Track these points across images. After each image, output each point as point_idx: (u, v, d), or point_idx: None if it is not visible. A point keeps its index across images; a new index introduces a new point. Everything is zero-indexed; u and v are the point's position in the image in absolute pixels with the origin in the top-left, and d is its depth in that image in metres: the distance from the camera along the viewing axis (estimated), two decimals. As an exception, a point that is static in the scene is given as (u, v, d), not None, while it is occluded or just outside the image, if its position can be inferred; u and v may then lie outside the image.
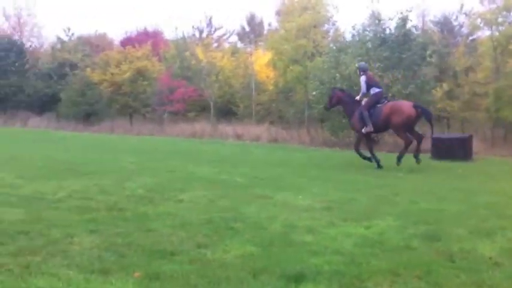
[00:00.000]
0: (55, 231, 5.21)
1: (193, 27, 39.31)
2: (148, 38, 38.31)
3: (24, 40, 38.55)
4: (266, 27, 41.44)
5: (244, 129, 24.94)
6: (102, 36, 44.89)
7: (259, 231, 5.54)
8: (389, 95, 19.26)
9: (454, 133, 21.32)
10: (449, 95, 23.78)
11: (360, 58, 20.10)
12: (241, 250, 4.75)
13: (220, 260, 4.45)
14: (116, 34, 58.53)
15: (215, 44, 38.41)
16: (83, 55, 35.59)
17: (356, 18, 52.05)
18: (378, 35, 21.46)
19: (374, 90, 13.06)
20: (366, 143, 13.66)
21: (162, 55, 35.42)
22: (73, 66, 33.53)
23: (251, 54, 31.72)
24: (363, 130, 13.06)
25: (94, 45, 40.98)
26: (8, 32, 38.43)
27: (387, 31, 21.65)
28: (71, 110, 30.03)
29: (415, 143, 12.90)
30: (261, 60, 31.03)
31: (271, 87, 29.37)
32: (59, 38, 38.72)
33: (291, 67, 26.15)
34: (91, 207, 6.52)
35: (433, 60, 22.91)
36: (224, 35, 43.09)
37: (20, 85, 32.37)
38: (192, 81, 30.17)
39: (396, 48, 20.64)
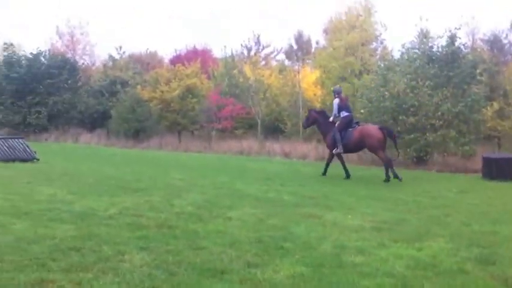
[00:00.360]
0: (106, 248, 5.27)
1: (241, 45, 39.63)
2: (197, 56, 38.83)
3: (77, 58, 39.68)
4: (314, 45, 41.39)
5: (291, 147, 24.85)
6: (153, 55, 45.82)
7: (309, 251, 5.47)
8: (439, 113, 18.98)
9: (505, 153, 20.68)
10: (500, 114, 23.14)
11: (409, 76, 19.86)
12: (291, 270, 4.69)
13: (270, 280, 4.40)
14: (166, 52, 59.63)
15: (263, 62, 38.65)
16: (134, 73, 36.35)
17: (404, 36, 51.47)
18: (426, 53, 21.13)
19: (343, 114, 14.36)
20: (339, 158, 14.81)
21: (210, 73, 35.83)
22: (124, 83, 34.26)
23: (298, 72, 31.71)
24: (334, 151, 14.51)
25: (145, 63, 41.86)
26: (62, 50, 39.64)
27: (435, 49, 21.31)
28: (121, 126, 30.61)
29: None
30: (308, 78, 31.01)
31: (318, 105, 29.27)
32: (110, 56, 39.80)
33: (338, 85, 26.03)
34: (141, 224, 6.58)
35: (483, 78, 22.35)
36: (272, 53, 43.28)
37: (72, 102, 33.22)
38: (240, 98, 30.36)
39: (445, 67, 20.25)
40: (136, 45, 74.17)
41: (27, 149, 16.42)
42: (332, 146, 14.54)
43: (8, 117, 32.01)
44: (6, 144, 16.20)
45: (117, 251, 5.15)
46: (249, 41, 39.95)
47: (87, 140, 30.44)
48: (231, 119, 29.19)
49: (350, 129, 14.28)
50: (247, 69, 32.04)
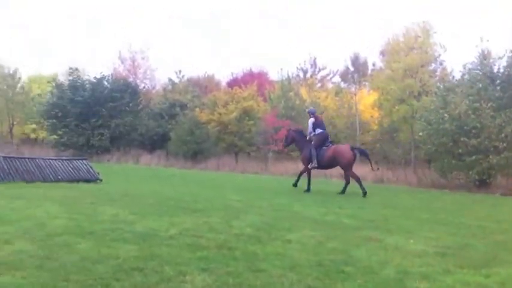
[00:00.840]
0: (168, 268, 5.34)
1: (297, 68, 39.84)
2: (254, 79, 39.26)
3: (138, 82, 40.89)
4: (370, 67, 41.08)
5: (348, 169, 24.62)
6: (210, 78, 46.62)
7: (371, 276, 5.37)
8: (503, 135, 18.45)
9: None
10: None
11: (471, 98, 19.41)
12: (353, 295, 4.62)
13: (332, 304, 4.34)
14: (223, 75, 60.67)
15: (319, 84, 38.68)
16: (193, 96, 37.10)
17: (464, 57, 50.48)
18: (487, 74, 20.62)
19: (318, 131, 16.02)
20: (308, 173, 16.27)
21: (267, 95, 36.10)
22: (183, 106, 35.00)
23: (355, 94, 31.54)
24: (309, 166, 16.05)
25: (203, 86, 42.64)
26: (124, 74, 40.94)
27: (496, 70, 20.81)
28: (180, 148, 31.21)
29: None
30: (365, 100, 30.82)
31: (375, 127, 28.95)
32: (170, 80, 40.81)
33: (397, 107, 25.68)
34: (201, 245, 6.64)
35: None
36: (328, 75, 43.23)
37: (133, 124, 34.17)
38: (296, 120, 30.39)
39: (508, 87, 19.69)
40: (194, 69, 75.66)
41: (91, 170, 16.94)
42: (307, 161, 16.07)
43: (73, 139, 33.18)
44: (71, 165, 16.78)
45: (179, 272, 5.21)
46: (304, 64, 40.11)
47: (147, 161, 31.10)
48: (288, 141, 29.21)
49: (325, 147, 15.82)
50: (303, 92, 32.17)
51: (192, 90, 38.75)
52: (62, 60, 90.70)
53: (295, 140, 17.07)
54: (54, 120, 34.73)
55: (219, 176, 23.56)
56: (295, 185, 16.33)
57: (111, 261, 5.64)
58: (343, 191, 15.42)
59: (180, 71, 41.12)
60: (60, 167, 16.46)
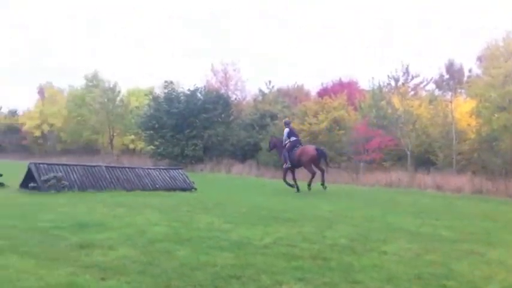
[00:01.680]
0: (265, 277, 5.42)
1: (388, 76, 39.02)
2: (344, 88, 38.93)
3: (229, 93, 41.68)
4: (466, 73, 39.46)
5: (443, 180, 23.76)
6: (300, 88, 46.69)
7: (474, 291, 5.19)
8: None
9: None
10: None
11: None
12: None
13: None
14: (312, 85, 60.56)
15: (412, 92, 37.68)
16: (283, 106, 37.30)
17: None
18: None
19: (292, 139, 18.76)
20: (291, 174, 18.84)
21: (357, 104, 35.67)
22: (273, 116, 35.28)
23: (451, 102, 30.41)
24: (284, 166, 18.92)
25: (292, 96, 42.77)
26: (216, 86, 41.92)
27: None
28: (270, 158, 31.42)
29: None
30: (461, 108, 29.60)
31: (473, 136, 27.78)
32: (260, 91, 41.31)
33: (497, 115, 24.51)
34: (296, 254, 6.68)
35: None
36: (421, 83, 41.97)
37: (225, 135, 34.89)
38: (388, 130, 29.81)
39: None
40: (284, 79, 76.34)
41: (187, 179, 17.50)
42: (284, 162, 18.83)
43: (168, 149, 34.38)
44: (168, 175, 17.42)
45: (275, 281, 5.28)
46: (396, 72, 39.25)
47: (239, 171, 31.60)
48: (379, 150, 28.69)
49: (295, 149, 18.50)
50: (395, 100, 31.41)
51: (281, 100, 39.02)
52: (158, 74, 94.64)
53: (276, 146, 19.95)
54: (151, 132, 36.18)
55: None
56: (292, 186, 18.62)
57: (209, 268, 5.81)
58: (323, 185, 18.34)
59: (269, 82, 41.58)
60: (158, 176, 17.13)
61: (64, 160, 36.73)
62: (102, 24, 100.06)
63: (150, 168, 18.47)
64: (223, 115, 35.44)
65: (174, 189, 16.40)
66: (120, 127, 44.51)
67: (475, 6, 73.60)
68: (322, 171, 18.62)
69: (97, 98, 45.17)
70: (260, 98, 40.72)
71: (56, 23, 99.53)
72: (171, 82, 37.92)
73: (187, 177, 17.81)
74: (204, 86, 38.88)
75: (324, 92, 40.21)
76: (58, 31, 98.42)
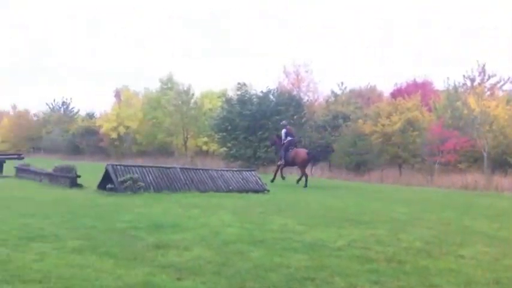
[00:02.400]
0: (339, 279, 5.42)
1: (464, 76, 37.80)
2: (418, 89, 38.09)
3: (301, 95, 41.62)
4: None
5: (523, 182, 22.85)
6: (372, 89, 46.07)
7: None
8: None
9: None
10: None
11: None
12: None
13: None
14: (385, 86, 59.53)
15: (488, 93, 36.33)
16: (355, 107, 36.94)
17: None
18: None
19: (288, 139, 21.28)
20: (281, 169, 21.72)
21: (432, 105, 34.81)
22: (345, 118, 35.01)
23: (530, 103, 29.16)
24: (278, 163, 21.95)
25: (365, 97, 42.26)
26: (288, 88, 41.96)
27: None
28: (342, 159, 31.27)
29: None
30: (542, 109, 28.34)
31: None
32: (332, 92, 41.13)
33: None
34: (370, 257, 6.62)
35: None
36: (498, 82, 40.40)
37: (297, 136, 34.80)
38: (463, 131, 28.92)
39: None
40: (357, 80, 75.51)
41: (259, 181, 17.62)
42: (280, 159, 21.64)
43: (241, 151, 34.74)
44: (241, 176, 17.61)
45: (350, 284, 5.26)
46: (472, 72, 37.99)
47: (310, 173, 31.47)
48: (455, 152, 27.88)
49: (290, 149, 20.95)
50: (471, 101, 30.40)
51: (354, 101, 38.63)
52: (232, 76, 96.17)
53: (275, 143, 22.69)
54: (224, 134, 36.67)
55: (383, 188, 23.13)
56: (282, 178, 21.49)
57: (283, 269, 5.86)
58: (305, 185, 20.16)
59: (342, 83, 41.31)
60: (231, 178, 17.35)
61: (139, 162, 37.89)
62: (174, 28, 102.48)
63: (223, 170, 18.73)
64: (295, 117, 35.40)
65: (247, 191, 16.56)
66: (193, 129, 45.36)
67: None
68: (306, 174, 21.00)
69: (171, 100, 46.20)
70: (332, 99, 40.49)
71: (136, 28, 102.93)
72: (244, 84, 38.29)
73: (259, 178, 17.93)
74: (277, 88, 38.99)
75: (397, 93, 39.47)
76: (133, 36, 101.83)
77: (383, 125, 31.81)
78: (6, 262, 5.89)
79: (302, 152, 21.18)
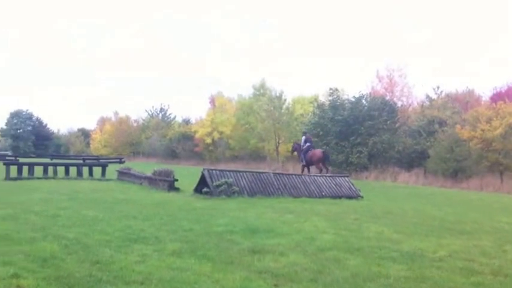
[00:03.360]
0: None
1: None
2: (520, 92, 36.13)
3: (395, 99, 40.62)
4: None
5: None
6: (470, 93, 44.15)
7: None
8: None
9: None
10: None
11: None
12: None
13: None
14: (484, 90, 57.00)
15: None
16: (452, 112, 35.59)
17: None
18: None
19: (307, 145, 25.15)
20: (307, 169, 24.99)
21: (537, 109, 32.86)
22: (442, 123, 33.80)
23: None
24: (301, 164, 25.43)
25: (462, 102, 40.60)
26: (381, 92, 41.10)
27: None
28: (439, 166, 30.16)
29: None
30: None
31: None
32: (427, 96, 39.80)
33: None
34: (475, 269, 6.33)
35: None
36: None
37: (391, 142, 34.01)
38: None
39: None
40: (454, 84, 72.79)
41: (352, 187, 17.39)
42: (301, 161, 25.40)
43: (333, 157, 34.42)
44: (334, 182, 17.46)
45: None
46: None
47: (405, 179, 30.66)
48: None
49: (309, 152, 24.81)
50: None
51: (451, 106, 37.20)
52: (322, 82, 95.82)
53: (297, 150, 26.07)
54: (315, 139, 36.51)
55: (483, 196, 22.08)
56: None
57: (381, 280, 5.72)
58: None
59: (437, 87, 39.92)
60: (324, 183, 17.24)
61: (232, 166, 38.49)
62: (267, 36, 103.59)
63: (316, 175, 18.64)
64: (388, 122, 34.58)
65: (340, 197, 16.38)
66: (285, 134, 45.47)
67: None
68: (326, 169, 24.69)
69: (264, 106, 46.62)
70: (427, 103, 39.24)
71: (230, 35, 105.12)
72: (336, 89, 37.94)
73: (352, 184, 17.69)
74: (369, 93, 38.33)
75: (498, 97, 37.57)
76: (228, 50, 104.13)
77: (482, 131, 30.37)
78: (110, 263, 6.15)
79: (317, 152, 25.08)
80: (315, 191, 16.66)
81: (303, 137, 26.36)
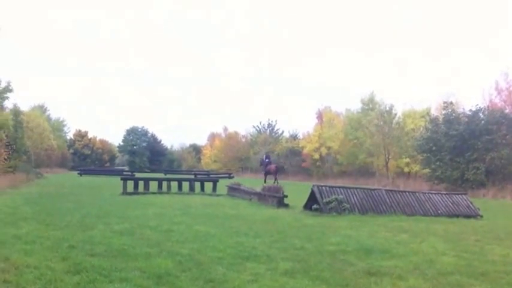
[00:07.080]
0: None
1: None
2: None
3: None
4: None
5: None
6: None
7: None
8: None
9: None
10: None
11: None
12: None
13: None
14: None
15: None
16: None
17: None
18: None
19: (266, 161, 31.60)
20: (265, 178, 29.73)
21: None
22: None
23: None
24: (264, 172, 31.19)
25: None
26: (499, 105, 38.77)
27: None
28: None
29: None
30: None
31: None
32: None
33: None
34: None
35: None
36: None
37: (510, 157, 31.93)
38: None
39: None
40: None
41: (471, 206, 16.45)
42: (266, 173, 30.22)
43: (447, 173, 32.97)
44: (451, 200, 16.60)
45: None
46: None
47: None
48: None
49: (268, 166, 30.39)
50: None
51: None
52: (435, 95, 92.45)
53: (263, 163, 32.08)
54: (428, 154, 35.17)
55: None
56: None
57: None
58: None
59: None
60: (440, 202, 16.44)
61: (340, 182, 37.96)
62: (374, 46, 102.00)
63: (432, 193, 17.80)
64: (508, 136, 32.55)
65: (457, 216, 15.52)
66: (395, 150, 44.27)
67: None
68: (276, 180, 27.48)
69: (373, 120, 45.75)
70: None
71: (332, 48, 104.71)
72: (451, 103, 36.40)
73: (471, 203, 16.71)
74: (487, 106, 36.30)
75: None
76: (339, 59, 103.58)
77: None
78: (223, 281, 6.13)
79: (272, 166, 30.36)
80: (431, 209, 15.92)
81: (264, 156, 34.62)
